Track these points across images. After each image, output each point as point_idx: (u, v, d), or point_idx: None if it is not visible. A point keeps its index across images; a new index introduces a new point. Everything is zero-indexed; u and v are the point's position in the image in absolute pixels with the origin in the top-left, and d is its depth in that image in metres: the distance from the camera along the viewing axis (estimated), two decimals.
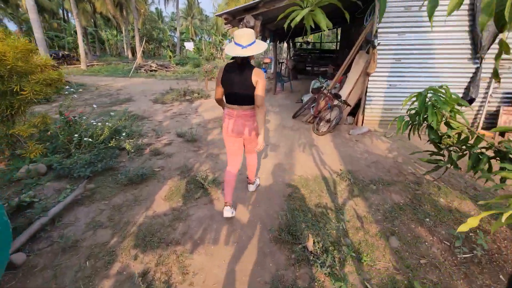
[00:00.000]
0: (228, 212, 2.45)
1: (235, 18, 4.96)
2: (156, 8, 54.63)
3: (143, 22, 33.23)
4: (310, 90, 7.67)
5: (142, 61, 21.44)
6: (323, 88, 6.30)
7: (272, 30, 8.65)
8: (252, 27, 5.01)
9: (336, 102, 5.16)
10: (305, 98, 7.10)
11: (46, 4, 29.54)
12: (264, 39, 8.21)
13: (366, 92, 5.01)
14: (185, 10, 44.74)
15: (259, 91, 2.04)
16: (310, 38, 22.56)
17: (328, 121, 4.97)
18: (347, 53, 9.94)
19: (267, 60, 13.13)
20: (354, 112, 5.36)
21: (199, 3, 46.64)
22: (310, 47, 15.86)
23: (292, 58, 14.30)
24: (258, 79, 2.02)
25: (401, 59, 4.74)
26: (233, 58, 2.08)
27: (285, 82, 9.75)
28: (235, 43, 1.97)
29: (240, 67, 2.05)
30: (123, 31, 24.38)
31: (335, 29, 14.53)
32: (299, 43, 16.42)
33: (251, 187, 3.03)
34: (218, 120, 6.17)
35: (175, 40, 34.24)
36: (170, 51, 21.92)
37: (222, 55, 24.50)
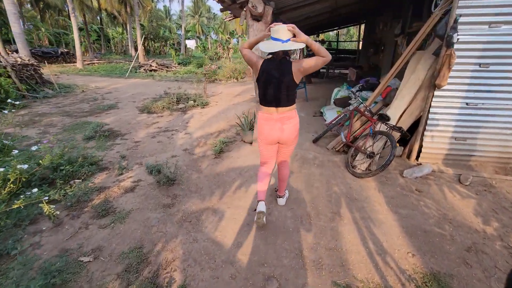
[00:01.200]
0: (263, 207, 2.24)
1: (235, 1, 3.40)
2: (164, 6, 53.65)
3: (149, 19, 32.07)
4: (332, 100, 6.04)
5: (144, 60, 20.26)
6: (355, 100, 4.65)
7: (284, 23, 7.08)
8: (260, 15, 3.43)
9: (381, 126, 3.53)
10: (328, 113, 5.46)
11: (50, 0, 28.71)
12: None
13: (429, 113, 3.36)
14: (192, 8, 43.50)
15: (313, 60, 1.86)
16: (321, 37, 20.76)
17: (370, 155, 3.34)
18: (374, 53, 8.32)
19: None
20: (402, 138, 3.70)
21: (207, 0, 45.30)
22: (325, 46, 14.14)
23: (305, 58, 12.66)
24: (302, 63, 1.88)
25: (489, 65, 3.07)
26: (270, 54, 1.99)
27: (299, 88, 8.10)
28: (272, 38, 1.87)
29: (280, 63, 1.94)
30: (128, 29, 23.08)
31: (357, 25, 12.80)
32: None
33: (281, 201, 2.66)
34: (212, 138, 4.63)
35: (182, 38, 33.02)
36: (175, 49, 20.53)
37: (228, 54, 23.02)
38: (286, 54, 1.96)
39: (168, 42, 33.01)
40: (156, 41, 33.72)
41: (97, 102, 7.97)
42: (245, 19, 3.59)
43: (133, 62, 10.37)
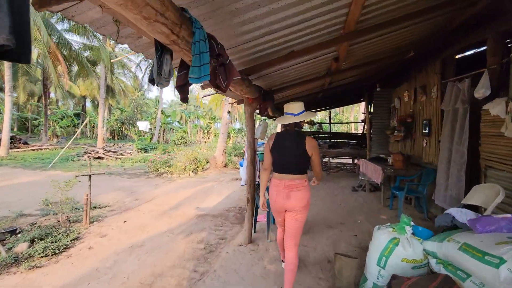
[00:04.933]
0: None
1: None
2: (157, 96, 55.73)
3: (130, 105, 31.18)
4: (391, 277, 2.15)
5: (102, 144, 17.27)
6: None
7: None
8: None
9: None
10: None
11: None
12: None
13: None
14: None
15: (317, 160, 2.09)
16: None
17: None
18: (404, 137, 4.75)
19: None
20: None
21: (195, 91, 47.18)
22: (315, 128, 11.36)
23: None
24: (313, 151, 2.05)
25: None
26: (284, 126, 2.18)
27: None
28: (286, 113, 2.12)
29: (292, 134, 2.11)
30: (99, 113, 21.06)
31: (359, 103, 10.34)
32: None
33: None
34: None
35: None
36: (138, 134, 17.74)
37: (208, 138, 20.56)
38: (297, 126, 2.14)
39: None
40: (136, 126, 32.07)
41: None
42: None
43: (63, 150, 7.51)
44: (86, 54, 20.62)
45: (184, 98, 1.48)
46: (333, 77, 4.46)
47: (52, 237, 3.10)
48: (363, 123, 10.47)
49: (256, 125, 3.12)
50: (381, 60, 3.82)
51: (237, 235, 3.48)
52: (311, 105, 8.76)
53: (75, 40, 19.44)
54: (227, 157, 9.98)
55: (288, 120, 2.05)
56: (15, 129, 30.12)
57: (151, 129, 22.11)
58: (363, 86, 6.79)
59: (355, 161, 9.62)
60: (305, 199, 2.03)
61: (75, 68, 20.59)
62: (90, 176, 3.74)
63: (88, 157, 12.77)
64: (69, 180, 3.67)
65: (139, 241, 3.26)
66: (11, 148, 16.70)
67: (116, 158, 12.63)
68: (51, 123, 28.12)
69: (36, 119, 29.01)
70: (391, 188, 4.25)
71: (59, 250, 2.88)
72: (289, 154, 2.04)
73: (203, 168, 9.09)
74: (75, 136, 8.26)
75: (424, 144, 4.22)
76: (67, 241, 3.04)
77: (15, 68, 14.56)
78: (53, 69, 14.31)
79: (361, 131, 14.57)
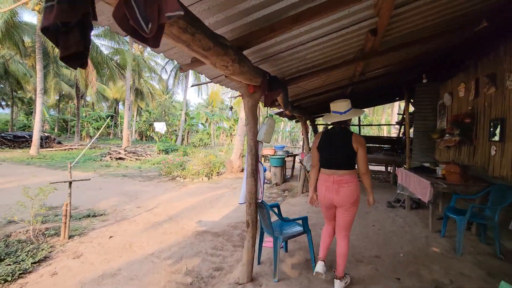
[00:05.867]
0: (320, 267, 2.13)
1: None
2: (185, 98, 57.27)
3: (157, 107, 32.06)
4: None
5: (127, 145, 17.65)
6: None
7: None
8: None
9: None
10: None
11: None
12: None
13: None
14: (207, 100, 45.27)
15: (362, 157, 2.06)
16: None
17: None
18: (459, 142, 3.46)
19: (268, 151, 7.46)
20: None
21: (222, 93, 47.65)
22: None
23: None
24: (359, 146, 2.05)
25: None
26: (331, 124, 2.20)
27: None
28: (333, 112, 2.14)
29: (340, 132, 2.13)
30: (125, 115, 21.70)
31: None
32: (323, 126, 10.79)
33: (338, 284, 2.15)
34: None
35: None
36: (158, 135, 17.85)
37: (231, 141, 20.10)
38: (344, 123, 2.15)
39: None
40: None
41: None
42: None
43: (85, 148, 7.45)
44: (116, 58, 21.35)
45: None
46: (367, 65, 3.54)
47: (14, 257, 2.59)
48: (398, 126, 9.18)
49: (260, 123, 2.34)
50: (436, 36, 2.83)
51: (238, 264, 2.72)
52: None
53: (106, 44, 20.18)
54: (244, 161, 9.27)
55: (334, 118, 2.10)
56: (56, 130, 32.41)
57: (167, 130, 22.17)
58: (402, 81, 5.68)
59: (389, 168, 8.40)
60: (354, 195, 2.06)
61: (106, 72, 21.39)
62: (70, 183, 3.21)
63: (110, 157, 12.86)
64: (40, 188, 3.16)
65: (114, 268, 2.62)
66: (45, 147, 17.63)
67: (136, 159, 12.56)
68: (85, 124, 29.74)
69: (73, 120, 30.84)
70: (445, 210, 3.21)
71: (13, 276, 2.33)
72: (336, 151, 2.09)
73: (218, 173, 8.47)
74: (95, 137, 8.21)
75: (493, 152, 3.12)
76: (27, 265, 2.49)
77: (46, 70, 15.23)
78: (80, 71, 14.78)
79: (394, 135, 13.05)
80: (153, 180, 7.98)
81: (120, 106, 36.87)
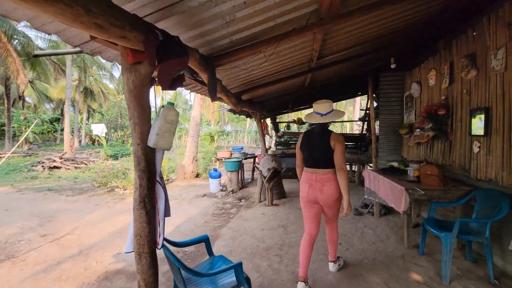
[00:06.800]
0: None
1: None
2: None
3: (111, 108, 29.40)
4: None
5: (70, 151, 15.59)
6: None
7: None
8: None
9: None
10: None
11: None
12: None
13: None
14: (170, 100, 43.08)
15: (338, 153, 2.06)
16: (297, 117, 17.15)
17: None
18: (433, 137, 2.90)
19: (223, 154, 6.55)
20: None
21: (183, 94, 45.67)
22: (304, 129, 9.58)
23: (273, 149, 7.88)
24: (336, 142, 2.07)
25: None
26: (311, 125, 2.42)
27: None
28: (315, 112, 2.19)
29: (319, 132, 2.18)
30: (64, 117, 19.01)
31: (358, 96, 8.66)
32: (285, 125, 10.01)
33: (332, 266, 2.42)
34: None
35: None
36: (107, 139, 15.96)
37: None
38: (324, 124, 2.20)
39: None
40: (120, 130, 30.15)
41: None
42: None
43: (8, 154, 5.90)
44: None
45: None
46: (326, 44, 2.80)
47: None
48: (362, 121, 8.85)
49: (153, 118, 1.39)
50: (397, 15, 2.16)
51: None
52: (293, 103, 7.02)
53: (41, 36, 17.51)
54: (199, 166, 8.19)
55: (315, 119, 2.16)
56: None
57: (107, 133, 20.07)
58: (366, 70, 5.15)
59: (354, 167, 8.01)
60: (336, 193, 2.09)
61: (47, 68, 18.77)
62: None
63: (42, 167, 10.88)
64: None
65: None
66: None
67: (76, 167, 10.78)
68: (23, 129, 25.96)
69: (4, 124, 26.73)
70: (424, 222, 2.58)
71: None
72: (316, 150, 2.15)
73: (168, 180, 7.33)
74: (20, 142, 6.48)
75: (476, 149, 2.57)
76: None
77: None
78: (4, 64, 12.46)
79: (357, 132, 12.93)
80: (85, 193, 6.59)
81: (71, 108, 33.09)
